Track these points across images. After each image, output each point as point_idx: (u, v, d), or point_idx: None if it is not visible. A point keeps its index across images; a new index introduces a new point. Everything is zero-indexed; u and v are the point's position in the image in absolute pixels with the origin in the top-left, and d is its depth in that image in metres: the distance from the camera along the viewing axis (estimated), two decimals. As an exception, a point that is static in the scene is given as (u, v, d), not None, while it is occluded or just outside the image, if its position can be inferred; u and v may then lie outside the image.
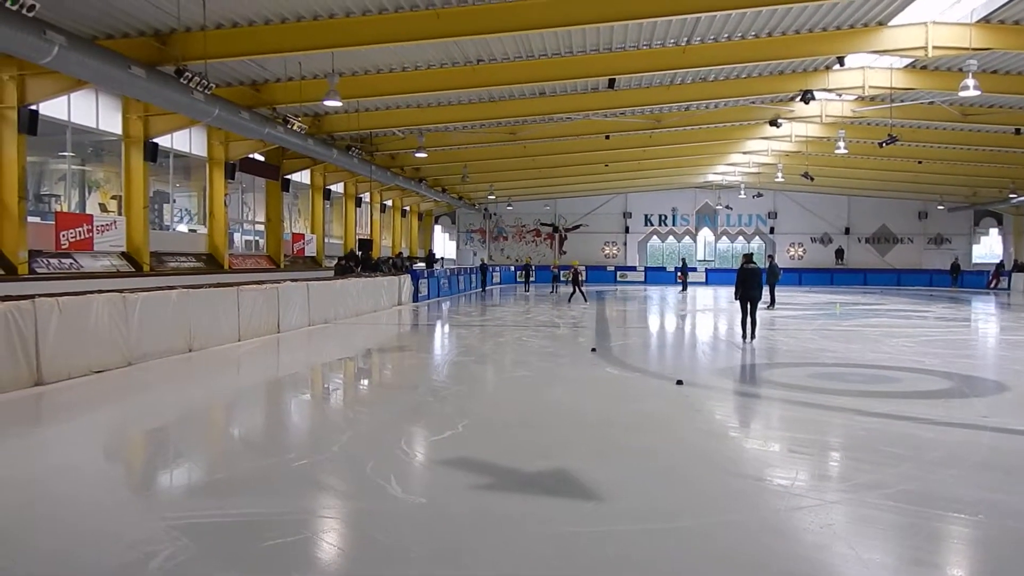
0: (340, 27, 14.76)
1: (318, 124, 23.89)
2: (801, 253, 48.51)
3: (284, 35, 14.96)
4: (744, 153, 34.75)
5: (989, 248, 47.30)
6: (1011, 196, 37.66)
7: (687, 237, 49.66)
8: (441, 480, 6.13)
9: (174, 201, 22.87)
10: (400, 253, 37.48)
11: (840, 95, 23.91)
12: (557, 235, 49.89)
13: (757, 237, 48.97)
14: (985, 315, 26.36)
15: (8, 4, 10.22)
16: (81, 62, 12.59)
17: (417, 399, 9.81)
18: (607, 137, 27.71)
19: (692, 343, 17.48)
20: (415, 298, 27.27)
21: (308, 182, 29.79)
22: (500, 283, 43.97)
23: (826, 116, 25.56)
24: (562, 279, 36.99)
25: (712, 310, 26.94)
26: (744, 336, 15.32)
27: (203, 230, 22.74)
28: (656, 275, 47.20)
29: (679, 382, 10.45)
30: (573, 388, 10.59)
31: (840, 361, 13.11)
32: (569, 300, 27.36)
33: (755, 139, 31.03)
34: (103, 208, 19.58)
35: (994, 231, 47.01)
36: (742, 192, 42.95)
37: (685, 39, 17.44)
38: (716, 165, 39.11)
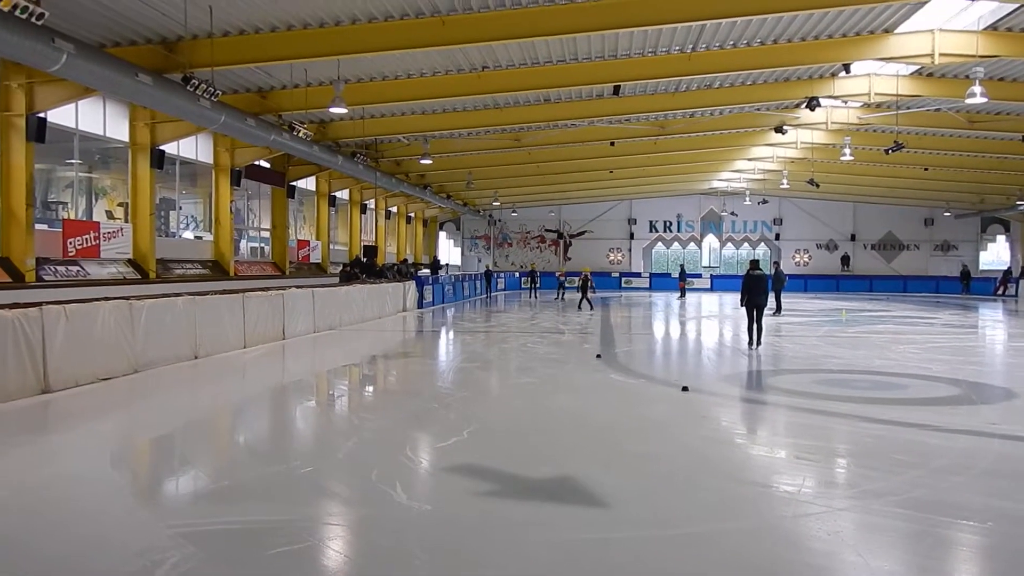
0: (346, 34, 14.81)
1: (323, 131, 23.95)
2: (807, 259, 48.42)
3: (290, 43, 15.03)
4: (749, 160, 34.75)
5: (996, 255, 47.13)
6: (1018, 203, 37.50)
7: (692, 243, 49.61)
8: (446, 487, 6.12)
9: (180, 208, 22.95)
10: (405, 259, 37.56)
11: (846, 102, 23.91)
12: (562, 241, 49.89)
13: (762, 244, 48.90)
14: (992, 322, 26.26)
15: (18, 13, 10.26)
16: (89, 70, 12.64)
17: (422, 406, 9.80)
18: (612, 143, 27.70)
19: (697, 349, 17.44)
20: (420, 304, 27.28)
21: (313, 189, 29.85)
22: (505, 289, 43.96)
23: (832, 123, 25.53)
24: (568, 286, 36.92)
25: (717, 316, 26.89)
26: (750, 343, 15.29)
27: (209, 237, 22.80)
28: (661, 281, 47.12)
29: (685, 388, 10.42)
30: (578, 394, 10.57)
31: (846, 368, 13.07)
32: (579, 306, 27.26)
33: (760, 146, 31.04)
34: (110, 215, 19.66)
35: (1001, 238, 46.87)
36: (747, 199, 42.91)
37: (691, 46, 17.46)
38: (721, 171, 39.10)
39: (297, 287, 17.84)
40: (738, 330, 20.20)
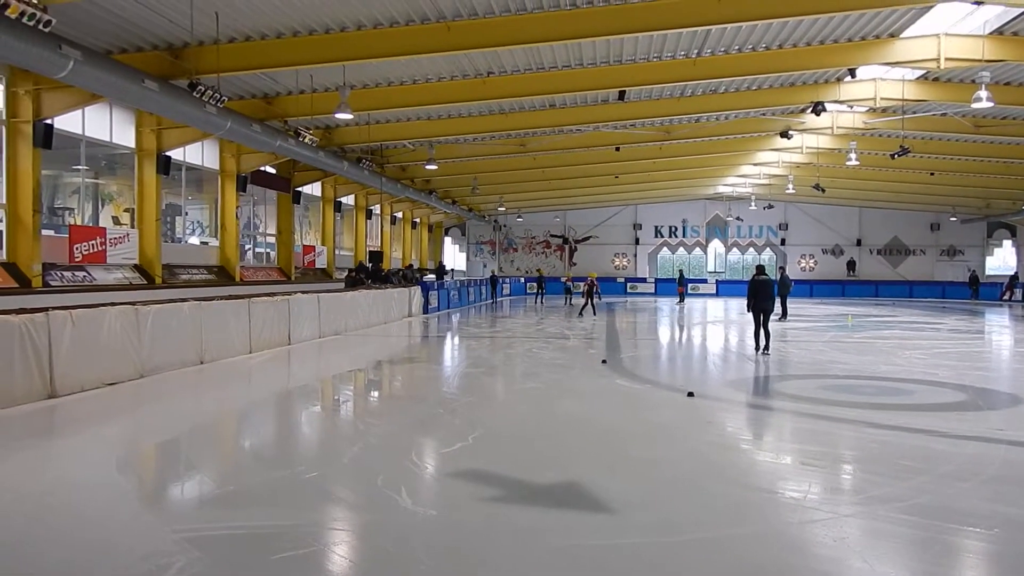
0: (351, 40, 14.86)
1: (329, 137, 24.02)
2: (812, 264, 48.32)
3: (296, 49, 15.08)
4: (755, 164, 34.72)
5: (1003, 260, 46.98)
6: (1024, 208, 37.48)
7: (697, 248, 49.56)
8: (452, 492, 6.12)
9: (186, 214, 23.01)
10: (410, 265, 37.52)
11: (852, 107, 23.89)
12: (567, 246, 49.88)
13: (768, 248, 48.83)
14: (999, 327, 26.16)
15: (26, 19, 10.32)
16: (96, 76, 12.71)
17: (427, 411, 9.80)
18: (617, 149, 27.74)
19: (703, 355, 17.41)
20: (425, 310, 27.30)
21: (319, 194, 29.92)
22: (510, 295, 43.97)
23: (837, 127, 25.51)
24: (575, 291, 36.87)
25: (722, 321, 26.84)
26: (757, 348, 15.27)
27: (215, 242, 22.85)
28: (666, 287, 47.01)
29: (690, 394, 10.41)
30: (584, 400, 10.56)
31: (852, 373, 13.03)
32: (581, 312, 27.21)
33: (766, 151, 31.01)
34: (116, 221, 19.72)
35: (1007, 243, 46.71)
36: (753, 203, 42.88)
37: (696, 51, 17.47)
38: (726, 176, 39.08)
39: (303, 292, 17.87)
40: (743, 335, 20.16)
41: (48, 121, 14.96)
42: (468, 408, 10.01)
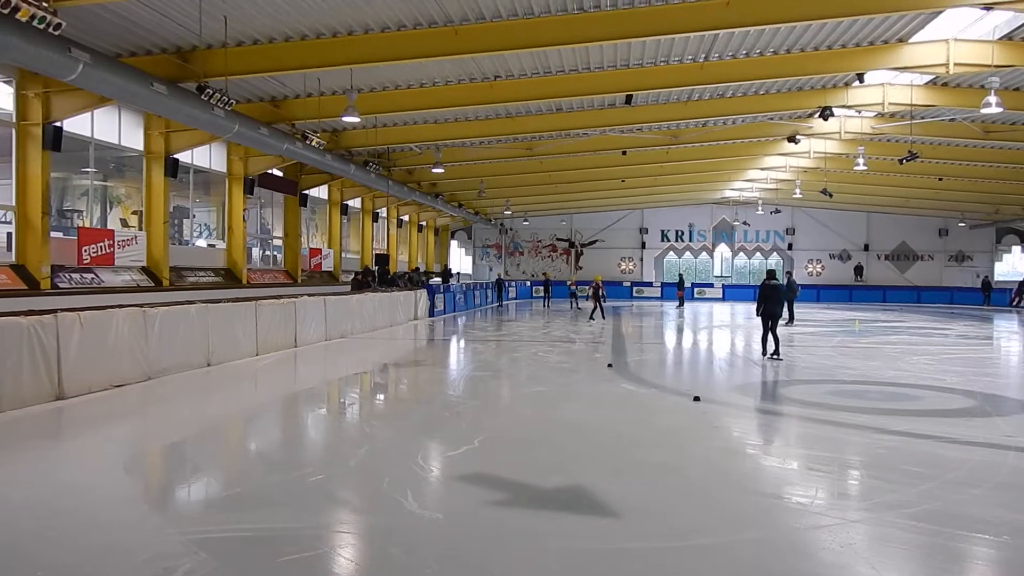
0: (358, 44, 14.90)
1: (336, 140, 24.07)
2: (819, 270, 48.20)
3: (303, 52, 15.13)
4: (762, 169, 34.66)
5: (1012, 266, 46.77)
6: (1034, 213, 37.32)
7: (704, 253, 49.48)
8: (457, 495, 6.12)
9: (194, 216, 23.09)
10: (416, 268, 37.60)
11: (860, 111, 23.83)
12: (573, 250, 49.88)
13: (775, 253, 48.72)
14: (1008, 333, 26.04)
15: (36, 23, 10.38)
16: (105, 79, 12.77)
17: (433, 414, 9.81)
18: (624, 153, 27.72)
19: (709, 359, 17.36)
20: (431, 313, 27.32)
21: (326, 197, 29.97)
22: (516, 298, 43.98)
23: (845, 132, 25.43)
24: (580, 294, 36.83)
25: (729, 326, 26.78)
26: (764, 353, 15.23)
27: (222, 245, 22.91)
28: (673, 291, 46.80)
29: (696, 398, 10.40)
30: (589, 404, 10.55)
31: (859, 378, 12.99)
32: (591, 316, 27.11)
33: (773, 155, 30.95)
34: (124, 223, 19.81)
35: (1016, 248, 46.50)
36: (760, 208, 42.80)
37: (703, 55, 17.46)
38: (733, 181, 39.01)
39: (309, 295, 17.90)
40: (749, 340, 20.13)
41: (57, 124, 15.04)
42: (474, 412, 10.01)
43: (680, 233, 49.40)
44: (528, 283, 46.84)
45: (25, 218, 14.79)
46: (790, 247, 48.32)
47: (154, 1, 12.88)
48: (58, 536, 5.10)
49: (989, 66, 16.38)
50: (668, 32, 14.71)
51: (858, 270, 47.73)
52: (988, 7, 14.26)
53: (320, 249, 29.56)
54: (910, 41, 16.83)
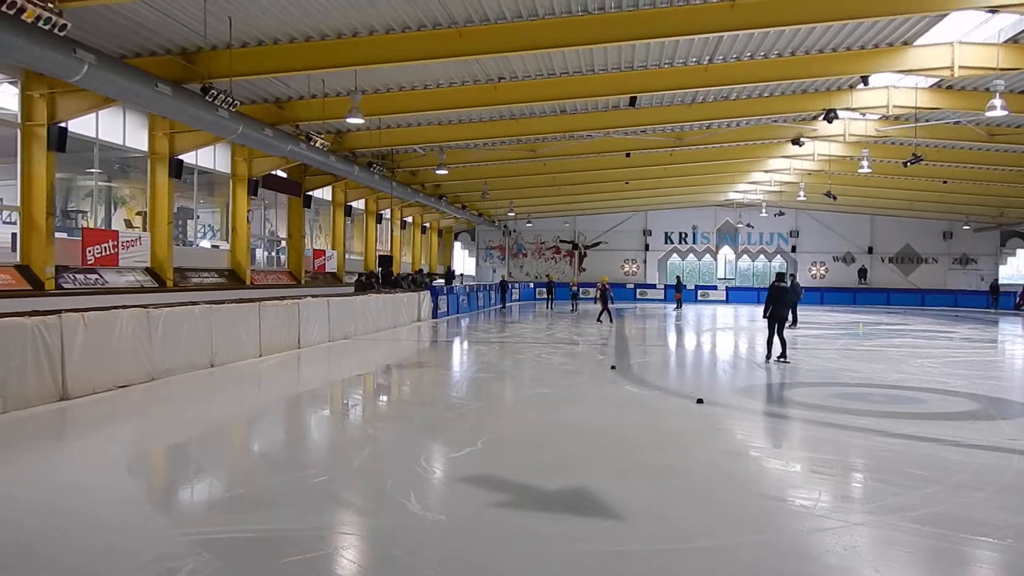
0: (363, 45, 14.92)
1: (340, 141, 24.10)
2: (823, 272, 48.14)
3: (308, 53, 15.15)
4: (766, 171, 34.64)
5: (1016, 269, 46.66)
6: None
7: (707, 255, 49.45)
8: (460, 497, 6.12)
9: (198, 217, 23.13)
10: (420, 269, 37.65)
11: (864, 114, 23.79)
12: (576, 252, 49.88)
13: (778, 256, 48.68)
14: (1012, 336, 25.98)
15: (41, 24, 10.40)
16: (110, 80, 12.80)
17: (436, 415, 9.81)
18: (628, 155, 27.71)
19: (712, 361, 17.34)
20: (434, 314, 27.33)
21: (329, 198, 30.02)
22: (519, 300, 43.99)
23: (849, 135, 25.41)
24: (583, 296, 36.75)
25: (732, 328, 26.74)
26: (768, 356, 15.18)
27: (226, 246, 22.95)
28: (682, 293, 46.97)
29: (699, 400, 10.38)
30: (592, 406, 10.54)
31: (863, 381, 12.96)
32: (599, 318, 26.97)
33: (777, 157, 30.93)
34: (128, 224, 19.85)
35: (1021, 251, 46.37)
36: (764, 210, 42.76)
37: (707, 58, 17.46)
38: (737, 183, 38.99)
39: (312, 296, 17.91)
40: (753, 342, 20.11)
41: (62, 124, 15.07)
42: (477, 413, 10.01)
43: (684, 235, 49.38)
44: (531, 285, 46.85)
45: (30, 219, 14.82)
46: (794, 249, 48.28)
47: (159, 2, 12.91)
48: (62, 536, 5.11)
49: (994, 69, 16.36)
50: (672, 34, 14.72)
51: (862, 273, 47.67)
52: (993, 10, 14.24)
53: (324, 250, 29.60)
54: (915, 44, 16.81)
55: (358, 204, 32.50)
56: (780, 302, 15.17)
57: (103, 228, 18.21)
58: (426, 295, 26.94)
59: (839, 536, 5.18)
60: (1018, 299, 42.27)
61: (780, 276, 15.78)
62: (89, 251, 16.61)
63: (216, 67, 15.14)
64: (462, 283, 40.30)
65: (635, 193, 39.56)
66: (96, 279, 16.73)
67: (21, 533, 5.16)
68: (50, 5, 10.50)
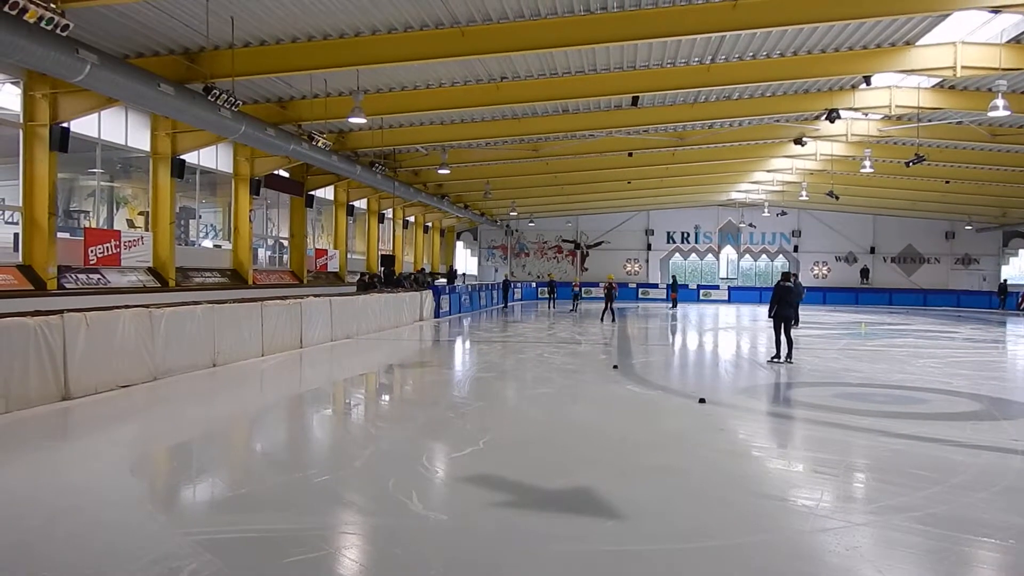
0: (365, 45, 14.92)
1: (342, 141, 24.11)
2: (825, 272, 48.11)
3: (310, 53, 15.15)
4: (768, 171, 34.62)
5: (1019, 269, 46.57)
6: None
7: (709, 255, 49.43)
8: (462, 497, 6.12)
9: (200, 217, 23.14)
10: (422, 269, 37.68)
11: (866, 114, 23.77)
12: (579, 252, 49.88)
13: (781, 255, 48.66)
14: (1015, 336, 25.94)
15: (44, 24, 10.42)
16: (112, 80, 12.79)
17: (438, 415, 9.81)
18: (630, 154, 27.70)
19: (715, 361, 17.33)
20: (436, 314, 27.34)
21: (332, 198, 30.04)
22: (522, 299, 43.99)
23: (852, 135, 25.39)
24: (585, 296, 36.71)
25: (735, 328, 26.72)
26: (777, 356, 15.11)
27: (228, 245, 22.97)
28: (678, 293, 46.92)
29: (702, 400, 10.39)
30: (595, 406, 10.54)
31: (865, 381, 12.95)
32: (601, 318, 26.95)
33: (779, 157, 30.91)
34: (130, 224, 19.86)
35: (1023, 252, 46.34)
36: (766, 210, 42.72)
37: (709, 57, 17.45)
38: (739, 183, 38.98)
39: (315, 296, 17.92)
40: (755, 342, 20.10)
41: (65, 125, 15.09)
42: (479, 413, 10.00)
43: (686, 235, 49.38)
44: (534, 284, 46.85)
45: (32, 219, 14.84)
46: (796, 249, 48.26)
47: (161, 2, 12.91)
48: (64, 536, 5.12)
49: (997, 69, 16.33)
50: (674, 34, 14.70)
51: (864, 273, 47.63)
52: (996, 10, 14.22)
53: (326, 250, 29.61)
54: (917, 44, 16.78)
55: (360, 204, 32.52)
56: (785, 302, 15.15)
57: (105, 228, 18.22)
58: (428, 295, 26.95)
59: (841, 537, 5.18)
60: (1020, 300, 42.19)
61: (785, 275, 15.76)
62: (91, 251, 16.62)
63: (218, 67, 15.14)
64: (464, 283, 40.29)
65: (637, 193, 39.55)
66: (98, 279, 16.74)
67: (23, 532, 5.17)
68: (52, 5, 10.51)
